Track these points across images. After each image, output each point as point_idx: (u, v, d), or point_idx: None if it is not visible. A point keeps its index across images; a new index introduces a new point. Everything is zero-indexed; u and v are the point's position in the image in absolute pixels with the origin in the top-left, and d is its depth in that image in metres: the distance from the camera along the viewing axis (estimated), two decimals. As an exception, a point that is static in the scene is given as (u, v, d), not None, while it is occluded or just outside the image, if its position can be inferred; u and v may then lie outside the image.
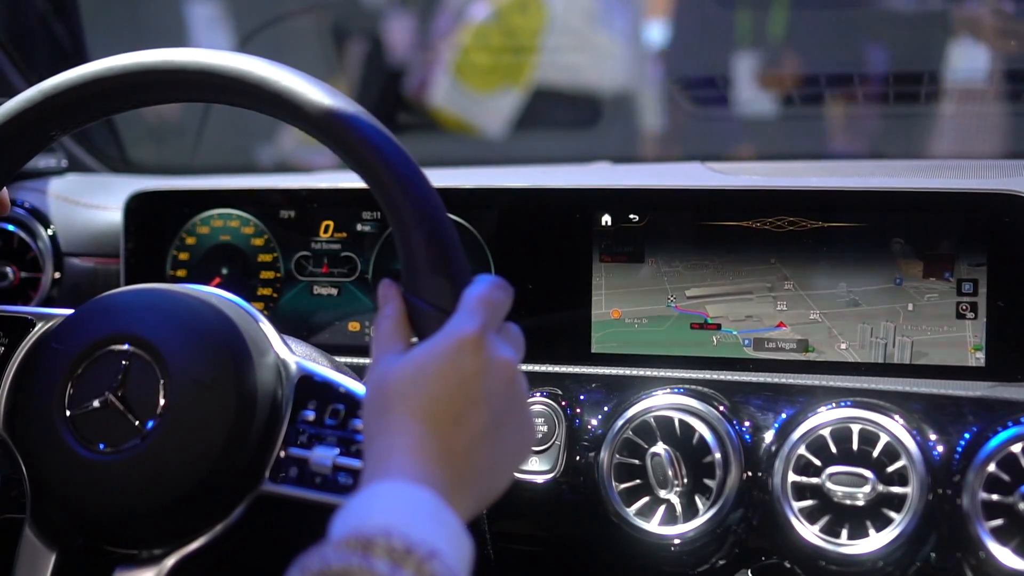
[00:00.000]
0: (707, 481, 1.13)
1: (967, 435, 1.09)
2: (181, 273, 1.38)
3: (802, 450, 1.11)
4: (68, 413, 0.92)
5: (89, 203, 1.50)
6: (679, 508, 1.13)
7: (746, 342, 1.22)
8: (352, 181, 1.26)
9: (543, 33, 2.40)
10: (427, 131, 2.43)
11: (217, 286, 1.18)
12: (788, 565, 1.13)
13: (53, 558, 0.93)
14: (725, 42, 2.07)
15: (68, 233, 1.48)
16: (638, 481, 1.15)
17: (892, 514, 1.08)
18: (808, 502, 1.10)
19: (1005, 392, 1.13)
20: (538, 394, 1.21)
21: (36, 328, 1.01)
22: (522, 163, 1.61)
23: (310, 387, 0.94)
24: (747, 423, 1.15)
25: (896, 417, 1.11)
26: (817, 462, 1.10)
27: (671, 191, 1.25)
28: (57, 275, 1.46)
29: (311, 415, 0.93)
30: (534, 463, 1.19)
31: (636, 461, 1.15)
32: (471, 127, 2.37)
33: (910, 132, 1.97)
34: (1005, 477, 1.05)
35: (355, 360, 1.25)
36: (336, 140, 0.84)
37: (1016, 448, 1.05)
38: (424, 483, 0.72)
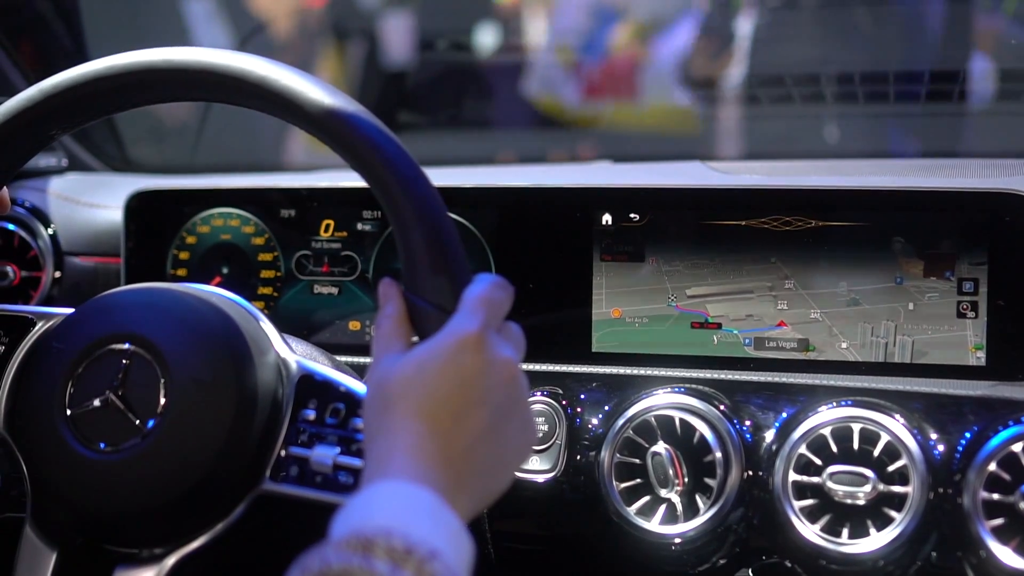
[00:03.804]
0: (708, 480, 1.13)
1: (968, 434, 1.09)
2: (181, 272, 1.38)
3: (803, 449, 1.11)
4: (69, 412, 0.92)
5: (89, 202, 1.50)
6: (680, 507, 1.13)
7: (747, 341, 1.21)
8: (353, 180, 1.25)
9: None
10: (428, 130, 2.43)
11: (217, 285, 1.18)
12: (789, 564, 1.13)
13: (54, 557, 0.93)
14: (728, 41, 2.07)
15: (68, 232, 1.48)
16: (639, 480, 1.15)
17: (893, 513, 1.08)
18: (809, 501, 1.10)
19: (1006, 391, 1.13)
20: (539, 393, 1.21)
21: (37, 327, 1.01)
22: (523, 162, 1.61)
23: (311, 386, 0.94)
24: (748, 422, 1.15)
25: (897, 416, 1.11)
26: (818, 461, 1.10)
27: (672, 190, 1.25)
28: (57, 274, 1.46)
29: (312, 414, 0.93)
30: (535, 462, 1.19)
31: (637, 460, 1.15)
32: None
33: (912, 131, 1.97)
34: (1006, 476, 1.05)
35: (356, 359, 1.25)
36: (337, 139, 0.84)
37: (1017, 447, 1.05)
38: (424, 483, 0.72)
